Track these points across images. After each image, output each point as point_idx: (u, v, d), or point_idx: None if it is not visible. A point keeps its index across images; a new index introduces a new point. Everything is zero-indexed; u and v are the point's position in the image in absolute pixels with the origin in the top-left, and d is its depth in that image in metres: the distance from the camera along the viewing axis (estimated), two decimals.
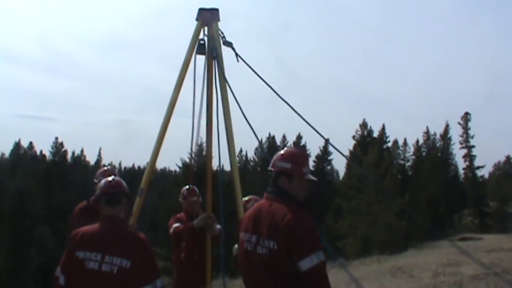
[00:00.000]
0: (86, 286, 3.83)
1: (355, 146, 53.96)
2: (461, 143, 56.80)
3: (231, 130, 5.66)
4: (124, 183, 4.25)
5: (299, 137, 62.59)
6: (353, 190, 34.54)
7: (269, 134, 66.95)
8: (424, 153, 62.86)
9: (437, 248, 20.02)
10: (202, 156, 33.44)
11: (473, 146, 56.18)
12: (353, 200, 34.25)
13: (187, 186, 7.15)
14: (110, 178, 4.25)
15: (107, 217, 4.05)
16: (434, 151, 61.28)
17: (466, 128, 56.66)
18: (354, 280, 9.36)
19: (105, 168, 5.95)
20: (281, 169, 3.68)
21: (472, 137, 55.58)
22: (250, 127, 5.44)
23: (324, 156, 64.35)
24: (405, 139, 61.49)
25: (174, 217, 7.10)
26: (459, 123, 57.29)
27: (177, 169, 39.33)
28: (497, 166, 75.33)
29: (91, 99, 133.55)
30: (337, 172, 73.23)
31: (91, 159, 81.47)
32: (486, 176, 64.33)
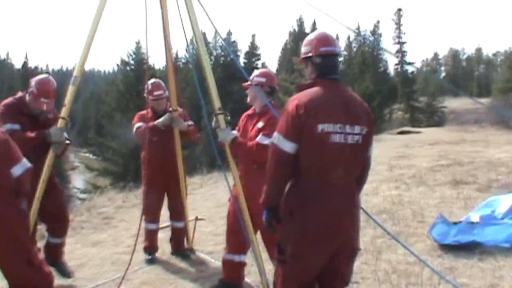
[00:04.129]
0: None
1: (287, 42, 53.59)
2: (394, 39, 57.62)
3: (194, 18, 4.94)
4: None
5: (229, 33, 61.38)
6: (294, 85, 34.07)
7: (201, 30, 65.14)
8: (355, 49, 63.35)
9: (381, 142, 20.02)
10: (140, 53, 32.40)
11: (404, 42, 57.17)
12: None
13: (152, 80, 6.26)
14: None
15: None
16: (365, 47, 61.55)
17: (398, 24, 57.38)
18: None
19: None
20: (334, 53, 3.59)
21: (404, 34, 56.42)
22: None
23: (253, 51, 63.69)
24: (336, 35, 61.44)
25: (139, 114, 6.28)
26: (392, 19, 57.90)
27: (109, 70, 38.03)
28: (425, 63, 77.17)
29: None
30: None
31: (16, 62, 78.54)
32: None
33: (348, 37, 62.99)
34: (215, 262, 5.95)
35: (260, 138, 4.64)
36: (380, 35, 65.23)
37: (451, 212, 7.55)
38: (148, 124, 5.96)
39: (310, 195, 3.40)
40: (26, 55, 77.77)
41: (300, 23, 59.83)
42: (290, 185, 3.51)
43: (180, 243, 6.30)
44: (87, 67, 5.20)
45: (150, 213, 6.17)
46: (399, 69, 57.07)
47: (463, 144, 18.09)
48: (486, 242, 5.95)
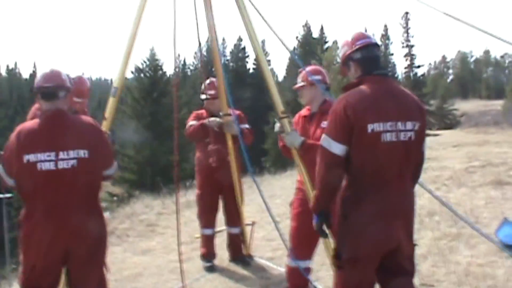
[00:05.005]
0: (43, 188, 3.50)
1: (294, 48, 53.50)
2: (402, 43, 57.50)
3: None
4: (63, 75, 3.82)
5: (240, 39, 61.20)
6: None
7: (207, 38, 65.18)
8: None
9: None
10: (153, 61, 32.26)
11: (413, 46, 57.07)
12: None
13: (209, 79, 6.11)
14: (47, 70, 3.82)
15: (46, 113, 3.68)
16: None
17: (406, 28, 57.27)
18: None
19: None
20: (371, 43, 3.54)
21: (412, 37, 56.32)
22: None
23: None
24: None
25: (194, 113, 6.16)
26: (400, 24, 57.84)
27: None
28: (433, 66, 77.03)
29: None
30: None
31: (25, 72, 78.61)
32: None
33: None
34: (278, 268, 5.82)
35: None
36: (389, 38, 65.03)
37: (502, 213, 7.39)
38: (197, 124, 5.87)
39: (364, 197, 3.33)
40: (34, 64, 77.53)
41: (307, 28, 59.63)
42: (343, 188, 3.43)
43: (239, 249, 6.17)
44: (94, 75, 5.00)
45: (205, 218, 6.08)
46: (410, 73, 56.97)
47: (487, 145, 17.88)
48: None
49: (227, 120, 5.69)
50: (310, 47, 47.91)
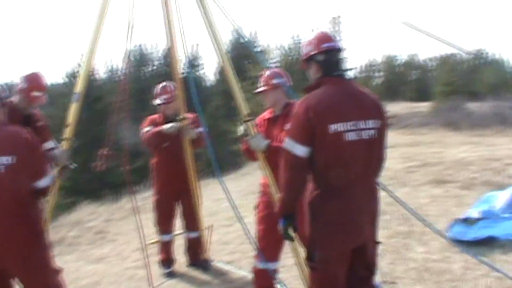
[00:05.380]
0: None
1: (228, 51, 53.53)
2: None
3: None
4: None
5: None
6: (249, 93, 33.92)
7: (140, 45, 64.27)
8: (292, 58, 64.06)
9: None
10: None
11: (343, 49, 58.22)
12: (251, 103, 33.29)
13: (162, 84, 6.04)
14: None
15: None
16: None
17: (335, 31, 58.36)
18: None
19: None
20: (336, 47, 3.58)
21: (340, 41, 57.55)
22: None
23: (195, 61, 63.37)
24: (277, 45, 62.04)
25: (149, 118, 6.05)
26: (329, 28, 58.87)
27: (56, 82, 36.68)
28: (360, 69, 78.70)
29: None
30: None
31: None
32: None
33: (288, 46, 63.49)
34: (238, 272, 5.84)
35: None
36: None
37: (446, 210, 7.68)
38: (154, 129, 5.79)
39: (331, 197, 3.42)
40: None
41: (237, 34, 59.74)
42: (310, 190, 3.51)
43: (197, 254, 6.13)
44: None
45: (164, 224, 6.00)
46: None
47: (421, 146, 18.47)
48: (502, 237, 6.07)
49: (184, 125, 5.65)
50: (242, 51, 48.07)
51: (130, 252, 6.94)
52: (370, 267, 3.68)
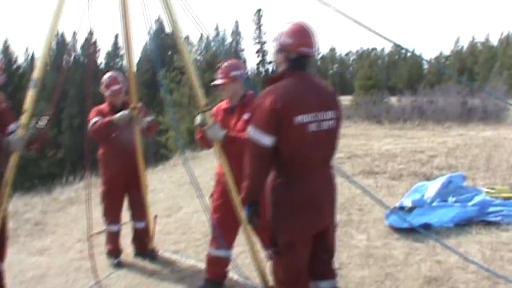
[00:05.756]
0: None
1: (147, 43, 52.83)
2: (254, 39, 59.07)
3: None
4: None
5: (91, 33, 59.07)
6: (174, 83, 33.54)
7: (58, 32, 62.36)
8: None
9: None
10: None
11: (265, 42, 58.84)
12: (175, 93, 33.14)
13: (109, 74, 5.99)
14: None
15: None
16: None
17: (258, 25, 58.91)
18: None
19: None
20: (312, 55, 3.67)
21: (264, 33, 58.08)
22: None
23: (115, 51, 62.29)
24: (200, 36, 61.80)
25: (95, 109, 5.95)
26: (252, 20, 59.33)
27: None
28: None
29: None
30: None
31: None
32: None
33: (207, 37, 63.34)
34: (187, 261, 5.89)
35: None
36: (240, 34, 66.38)
37: (380, 199, 8.02)
38: (104, 120, 5.74)
39: (294, 184, 3.57)
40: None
41: (159, 23, 59.09)
42: (273, 178, 3.65)
43: (144, 244, 6.11)
44: None
45: (112, 214, 5.95)
46: (259, 68, 58.58)
47: (346, 138, 19.01)
48: (436, 223, 6.46)
49: (136, 114, 5.64)
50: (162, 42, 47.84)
51: (72, 243, 6.81)
52: (330, 250, 3.86)
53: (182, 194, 9.58)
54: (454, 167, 10.66)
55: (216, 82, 4.86)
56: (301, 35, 3.61)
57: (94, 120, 5.81)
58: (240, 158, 4.52)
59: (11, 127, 4.72)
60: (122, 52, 62.15)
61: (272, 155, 3.51)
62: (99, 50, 59.71)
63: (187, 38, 58.19)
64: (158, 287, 5.30)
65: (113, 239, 5.98)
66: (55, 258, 6.26)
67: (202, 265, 5.42)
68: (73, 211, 8.65)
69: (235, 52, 63.33)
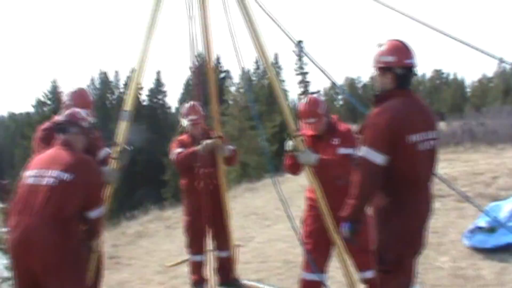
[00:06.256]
0: (31, 199, 3.75)
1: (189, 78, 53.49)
2: (296, 70, 59.39)
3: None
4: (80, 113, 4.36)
5: (132, 71, 60.55)
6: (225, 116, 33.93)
7: (100, 70, 64.25)
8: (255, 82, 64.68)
9: None
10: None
11: (307, 73, 59.14)
12: (227, 126, 33.57)
13: (189, 103, 6.16)
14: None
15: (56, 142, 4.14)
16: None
17: (299, 55, 59.25)
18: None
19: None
20: (415, 65, 3.75)
21: (306, 64, 58.40)
22: None
23: (157, 88, 63.34)
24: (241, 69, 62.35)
25: (177, 139, 6.13)
26: (293, 51, 59.70)
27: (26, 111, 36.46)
28: (322, 92, 79.96)
29: None
30: None
31: None
32: None
33: (248, 71, 64.15)
34: None
35: (341, 150, 4.74)
36: (280, 67, 67.04)
37: (452, 222, 7.95)
38: (189, 150, 5.87)
39: (405, 202, 3.63)
40: None
41: (201, 58, 60.01)
42: (383, 196, 3.69)
43: (230, 273, 6.16)
44: None
45: (196, 244, 6.04)
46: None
47: None
48: None
49: (219, 143, 5.77)
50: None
51: (152, 276, 6.95)
52: (415, 273, 3.93)
53: (250, 225, 9.64)
54: None
55: (308, 121, 4.91)
56: (401, 50, 3.70)
57: (178, 150, 5.96)
58: (331, 183, 4.62)
59: (102, 153, 4.89)
60: (164, 88, 63.23)
61: (382, 174, 3.56)
62: (142, 87, 60.97)
63: (227, 72, 59.05)
64: None
65: (198, 269, 6.07)
66: None
67: None
68: (144, 244, 8.80)
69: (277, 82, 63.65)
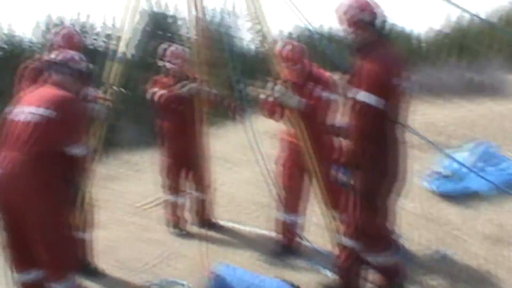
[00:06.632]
0: (11, 136, 3.75)
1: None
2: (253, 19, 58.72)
3: None
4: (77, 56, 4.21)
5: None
6: None
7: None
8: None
9: None
10: None
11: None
12: None
13: (172, 47, 6.11)
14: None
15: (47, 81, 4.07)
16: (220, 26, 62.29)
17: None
18: None
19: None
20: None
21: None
22: None
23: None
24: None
25: (159, 80, 6.09)
26: None
27: None
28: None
29: None
30: None
31: None
32: None
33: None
34: (252, 230, 6.14)
35: (324, 95, 4.91)
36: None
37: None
38: (173, 92, 5.85)
39: (391, 143, 3.82)
40: None
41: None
42: (374, 139, 3.79)
43: (207, 214, 6.28)
44: None
45: (174, 185, 6.18)
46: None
47: None
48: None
49: (203, 86, 5.56)
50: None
51: (129, 218, 6.94)
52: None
53: (217, 169, 9.65)
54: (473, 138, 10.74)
55: (294, 68, 5.04)
56: (370, 5, 3.90)
57: (160, 92, 5.91)
58: (316, 127, 4.75)
59: (88, 91, 4.76)
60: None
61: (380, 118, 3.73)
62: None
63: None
64: (227, 253, 5.50)
65: (175, 209, 6.21)
66: (116, 233, 6.32)
67: (261, 231, 5.81)
68: (116, 188, 8.71)
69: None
